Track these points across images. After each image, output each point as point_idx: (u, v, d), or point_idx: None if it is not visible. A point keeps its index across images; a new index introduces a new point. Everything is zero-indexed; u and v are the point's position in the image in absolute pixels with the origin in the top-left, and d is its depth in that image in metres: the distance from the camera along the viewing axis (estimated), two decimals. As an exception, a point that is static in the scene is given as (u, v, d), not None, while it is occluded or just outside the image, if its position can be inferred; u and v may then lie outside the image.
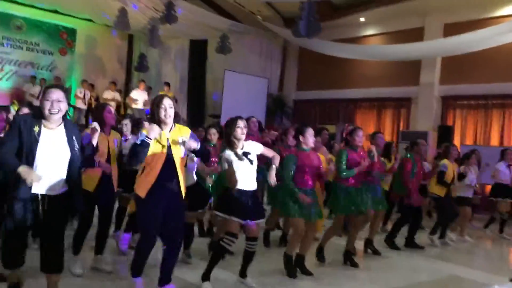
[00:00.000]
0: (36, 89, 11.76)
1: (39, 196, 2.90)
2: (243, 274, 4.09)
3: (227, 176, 3.83)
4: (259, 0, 11.37)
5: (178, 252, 3.64)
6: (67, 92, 3.07)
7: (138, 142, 3.29)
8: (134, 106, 11.84)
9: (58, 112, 2.92)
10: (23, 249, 3.03)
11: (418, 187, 6.00)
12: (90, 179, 3.95)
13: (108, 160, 4.10)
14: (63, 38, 13.79)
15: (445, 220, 6.45)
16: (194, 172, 4.45)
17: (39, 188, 2.88)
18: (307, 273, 4.50)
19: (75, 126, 3.15)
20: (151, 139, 3.30)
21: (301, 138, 4.46)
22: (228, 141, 3.93)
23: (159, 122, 3.39)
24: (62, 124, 3.00)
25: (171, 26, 10.87)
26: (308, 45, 11.33)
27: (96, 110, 4.46)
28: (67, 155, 2.96)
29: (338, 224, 5.09)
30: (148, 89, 12.58)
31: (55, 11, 13.07)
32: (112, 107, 4.44)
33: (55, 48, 13.64)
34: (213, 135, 5.14)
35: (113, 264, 4.43)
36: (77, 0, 12.09)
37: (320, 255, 5.04)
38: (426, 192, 6.86)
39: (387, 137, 11.26)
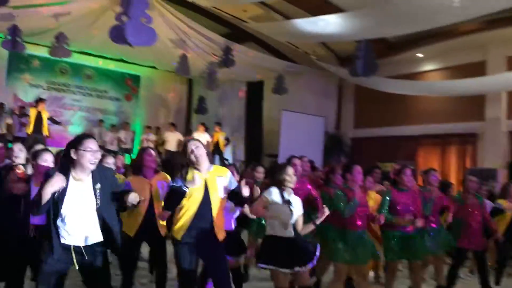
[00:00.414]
0: (108, 135, 12.59)
1: (74, 248, 2.89)
2: None
3: (256, 204, 3.67)
4: (314, 41, 11.48)
5: None
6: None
7: (176, 186, 3.27)
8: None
9: (96, 162, 2.95)
10: None
11: (477, 228, 5.36)
12: (131, 223, 3.94)
13: (151, 203, 4.00)
14: (128, 84, 14.66)
15: (502, 261, 5.97)
16: (232, 219, 4.24)
17: (72, 239, 2.89)
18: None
19: (105, 171, 3.12)
20: (188, 188, 3.26)
21: (348, 176, 4.31)
22: (274, 184, 3.84)
23: (193, 164, 3.38)
24: (91, 174, 2.98)
25: (229, 69, 11.24)
26: (364, 82, 11.13)
27: (137, 154, 4.51)
28: (93, 205, 2.94)
29: (392, 272, 4.72)
30: (207, 130, 12.95)
31: (122, 60, 13.97)
32: (153, 149, 4.49)
33: (121, 95, 14.49)
34: (261, 173, 5.10)
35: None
36: (142, 49, 12.81)
37: None
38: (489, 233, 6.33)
39: (453, 175, 10.72)
